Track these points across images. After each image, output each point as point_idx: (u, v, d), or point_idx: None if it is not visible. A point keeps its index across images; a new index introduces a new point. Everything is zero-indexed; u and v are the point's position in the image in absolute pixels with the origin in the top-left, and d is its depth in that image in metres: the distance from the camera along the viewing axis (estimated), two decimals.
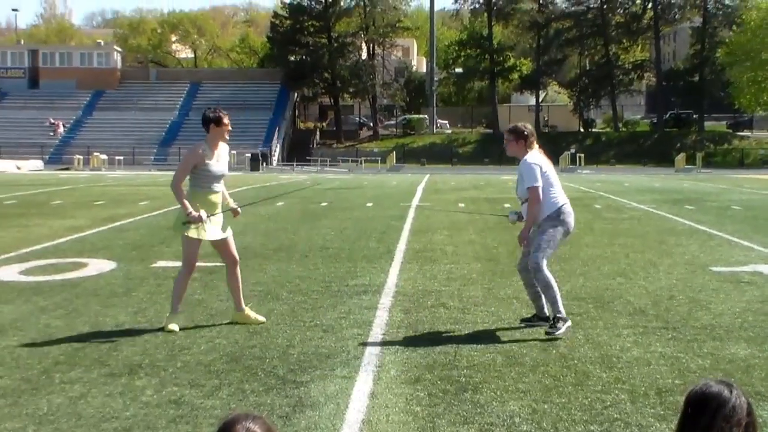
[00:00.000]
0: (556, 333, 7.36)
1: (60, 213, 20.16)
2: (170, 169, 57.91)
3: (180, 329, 7.63)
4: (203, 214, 7.66)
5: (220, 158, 7.92)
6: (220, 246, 8.02)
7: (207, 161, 7.75)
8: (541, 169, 7.57)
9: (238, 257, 8.16)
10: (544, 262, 7.54)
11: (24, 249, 13.40)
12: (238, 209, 8.20)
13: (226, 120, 7.91)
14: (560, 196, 7.68)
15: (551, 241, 7.61)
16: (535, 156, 7.69)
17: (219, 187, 7.93)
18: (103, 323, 8.03)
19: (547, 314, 7.78)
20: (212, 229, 7.81)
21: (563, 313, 7.48)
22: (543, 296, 7.67)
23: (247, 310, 8.09)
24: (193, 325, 7.88)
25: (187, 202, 7.65)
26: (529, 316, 8.06)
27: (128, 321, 8.13)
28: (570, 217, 7.71)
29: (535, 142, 7.80)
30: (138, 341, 7.29)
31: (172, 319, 7.74)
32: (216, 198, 7.89)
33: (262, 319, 8.06)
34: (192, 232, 7.68)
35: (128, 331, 7.69)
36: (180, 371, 6.38)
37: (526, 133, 7.76)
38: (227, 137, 7.98)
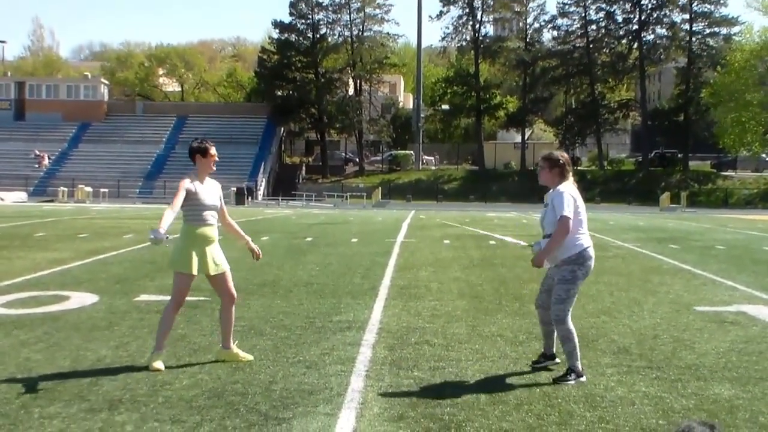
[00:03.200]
0: (564, 382, 7.15)
1: (43, 245, 20.05)
2: (156, 203, 58.00)
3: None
4: (161, 234, 7.39)
5: (211, 190, 7.84)
6: (218, 281, 7.89)
7: (196, 191, 7.70)
8: (575, 201, 7.32)
9: (235, 294, 8.07)
10: (569, 314, 7.36)
11: (5, 281, 13.29)
12: (258, 251, 8.14)
13: (212, 150, 7.82)
14: (585, 238, 7.39)
15: (571, 289, 7.36)
16: (570, 187, 7.40)
17: (213, 220, 7.82)
18: (84, 357, 7.95)
19: (554, 352, 7.68)
20: (210, 264, 7.74)
21: (579, 368, 7.27)
22: (560, 342, 7.44)
23: (235, 348, 7.98)
24: (175, 360, 7.80)
25: (166, 221, 7.44)
26: (536, 358, 7.91)
27: (110, 355, 8.05)
28: (591, 260, 7.43)
29: (570, 173, 7.50)
30: (119, 376, 7.22)
31: (157, 357, 7.56)
32: (210, 231, 7.74)
33: (249, 357, 7.96)
34: (192, 268, 7.61)
35: (109, 366, 7.61)
36: (161, 407, 6.31)
37: (561, 161, 7.45)
38: (214, 168, 7.91)
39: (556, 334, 7.53)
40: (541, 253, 7.44)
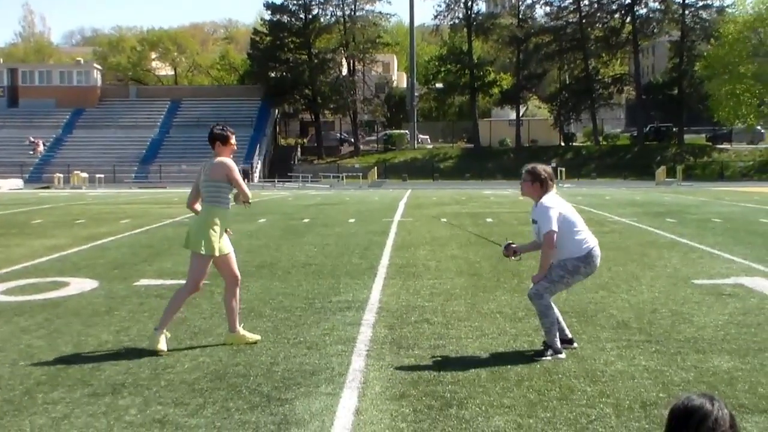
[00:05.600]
0: (542, 359, 7.20)
1: (40, 232, 20.06)
2: (152, 187, 57.95)
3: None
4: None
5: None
6: (224, 263, 7.90)
7: None
8: (558, 213, 7.31)
9: (239, 275, 8.09)
10: (548, 294, 7.35)
11: (4, 269, 13.32)
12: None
13: (233, 140, 7.90)
14: (589, 238, 7.42)
15: (568, 279, 7.38)
16: (552, 199, 7.41)
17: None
18: (85, 343, 7.98)
19: (569, 336, 7.63)
20: (222, 246, 7.78)
21: (557, 344, 7.28)
22: (538, 317, 7.47)
23: (242, 330, 8.00)
24: (176, 343, 7.83)
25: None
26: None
27: (111, 340, 8.08)
28: (598, 259, 7.45)
29: (552, 186, 7.49)
30: (121, 360, 7.25)
31: (159, 336, 7.56)
32: (230, 214, 7.86)
33: (257, 337, 7.98)
34: (215, 251, 7.64)
35: (111, 350, 7.65)
36: (164, 390, 6.35)
37: (543, 177, 7.44)
38: (231, 157, 7.94)
39: (537, 312, 7.50)
40: (537, 276, 7.44)
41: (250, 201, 7.79)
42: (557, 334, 7.35)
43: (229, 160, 7.77)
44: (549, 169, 7.67)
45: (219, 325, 8.49)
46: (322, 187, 60.29)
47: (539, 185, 7.46)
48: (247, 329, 8.17)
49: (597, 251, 7.45)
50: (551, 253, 7.31)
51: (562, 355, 7.26)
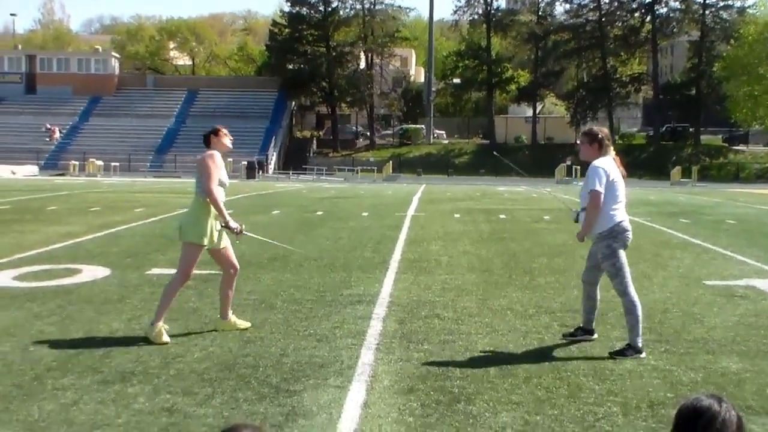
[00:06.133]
0: (622, 357, 7.18)
1: (55, 219, 20.13)
2: (167, 176, 58.09)
3: (172, 337, 7.59)
4: (239, 225, 7.83)
5: (224, 169, 7.94)
6: (223, 254, 7.97)
7: (219, 168, 7.76)
8: (608, 175, 7.35)
9: (238, 266, 8.14)
10: (629, 285, 7.40)
11: (18, 255, 13.38)
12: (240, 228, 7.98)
13: (224, 130, 7.98)
14: (619, 212, 7.41)
15: (616, 262, 7.37)
16: (606, 161, 7.46)
17: (223, 197, 7.89)
18: (96, 330, 8.02)
19: (593, 328, 7.79)
20: (218, 238, 7.80)
21: (639, 344, 7.29)
22: (624, 313, 7.49)
23: (233, 318, 8.11)
24: (186, 333, 7.87)
25: (226, 213, 7.75)
26: (572, 330, 7.98)
27: (122, 328, 8.12)
28: (627, 233, 7.43)
29: (610, 148, 7.56)
30: (131, 348, 7.29)
31: (157, 329, 7.57)
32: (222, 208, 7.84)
33: (247, 324, 8.10)
34: (205, 240, 7.66)
35: (122, 338, 7.68)
36: (173, 379, 6.38)
37: (600, 136, 7.54)
38: (230, 146, 7.98)
39: (622, 308, 7.55)
40: (580, 233, 7.60)
41: (231, 227, 7.75)
42: (640, 332, 7.35)
43: (211, 154, 7.80)
44: (606, 130, 7.77)
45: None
46: (336, 180, 60.33)
47: (597, 145, 7.55)
48: (258, 320, 8.23)
49: (625, 225, 7.44)
50: (596, 213, 7.34)
51: (643, 355, 7.25)
